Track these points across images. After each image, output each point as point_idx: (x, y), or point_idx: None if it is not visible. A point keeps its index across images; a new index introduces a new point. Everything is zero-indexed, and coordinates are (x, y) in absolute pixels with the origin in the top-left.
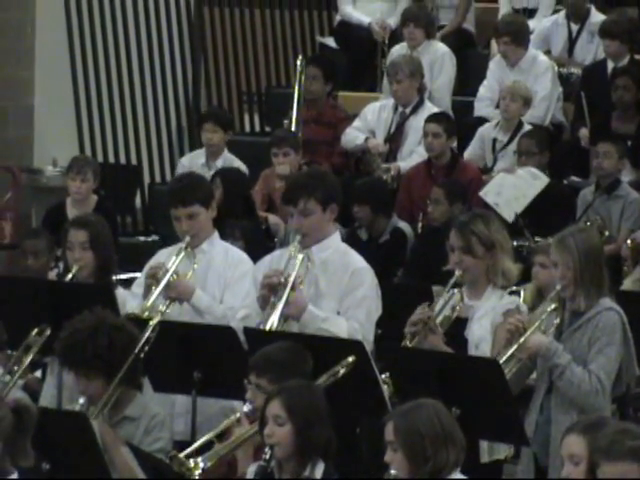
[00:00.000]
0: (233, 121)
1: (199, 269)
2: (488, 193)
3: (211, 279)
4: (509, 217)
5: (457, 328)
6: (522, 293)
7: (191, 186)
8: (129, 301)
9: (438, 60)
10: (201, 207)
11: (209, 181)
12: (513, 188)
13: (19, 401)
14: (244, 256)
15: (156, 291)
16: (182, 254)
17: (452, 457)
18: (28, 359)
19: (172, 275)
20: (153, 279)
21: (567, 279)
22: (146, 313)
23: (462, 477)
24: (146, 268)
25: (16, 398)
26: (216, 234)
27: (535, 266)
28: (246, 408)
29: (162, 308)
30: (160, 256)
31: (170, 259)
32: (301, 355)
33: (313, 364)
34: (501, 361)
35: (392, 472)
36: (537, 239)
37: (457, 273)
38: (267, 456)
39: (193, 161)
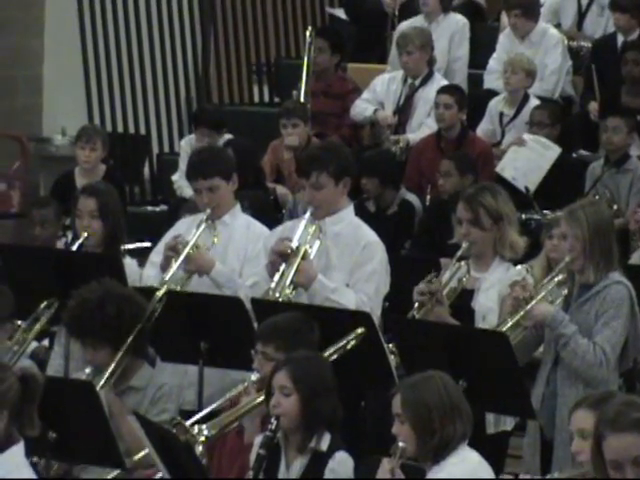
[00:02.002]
0: (229, 118)
1: (220, 242)
2: (505, 168)
3: (231, 252)
4: (527, 189)
5: (463, 300)
6: (530, 270)
7: (211, 159)
8: (146, 270)
9: (459, 31)
10: (222, 180)
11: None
12: (527, 161)
13: (26, 370)
14: (265, 230)
15: (176, 264)
16: (203, 226)
17: (459, 430)
18: (36, 330)
19: (192, 248)
20: (173, 251)
21: (576, 251)
22: (165, 286)
23: (469, 450)
24: (165, 238)
25: (23, 367)
26: (238, 207)
27: (553, 239)
28: (254, 377)
29: (181, 281)
30: (180, 226)
31: (190, 231)
32: (308, 324)
33: (321, 335)
34: (505, 328)
35: (400, 444)
36: (545, 212)
37: (464, 245)
38: (273, 427)
39: (192, 144)
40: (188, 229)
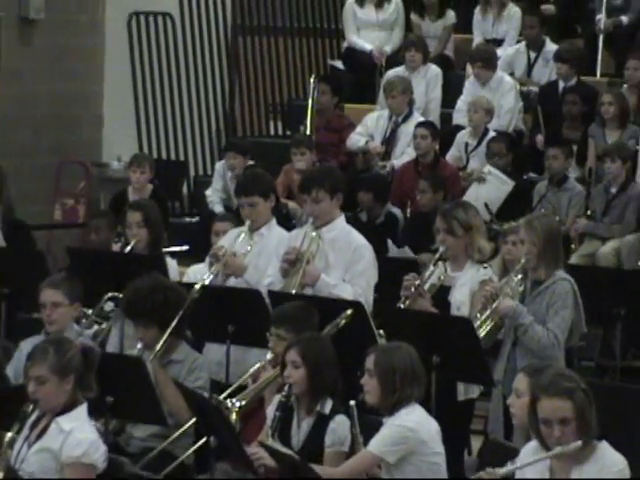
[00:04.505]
0: (249, 148)
1: (255, 249)
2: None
3: (264, 258)
4: (487, 217)
5: (442, 294)
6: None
7: (252, 180)
8: (199, 265)
9: (434, 78)
10: (260, 198)
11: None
12: (487, 193)
13: (85, 343)
14: None
15: (216, 268)
16: (242, 236)
17: (415, 392)
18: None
19: (230, 256)
20: (214, 258)
21: (532, 253)
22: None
23: (418, 407)
24: (218, 244)
25: (82, 342)
26: (274, 221)
27: (507, 244)
28: (269, 356)
29: (220, 282)
30: (231, 234)
31: (231, 240)
32: (310, 311)
33: (323, 319)
34: (479, 322)
35: (354, 402)
36: (502, 223)
37: (441, 249)
38: (286, 393)
39: (225, 166)
40: (236, 237)
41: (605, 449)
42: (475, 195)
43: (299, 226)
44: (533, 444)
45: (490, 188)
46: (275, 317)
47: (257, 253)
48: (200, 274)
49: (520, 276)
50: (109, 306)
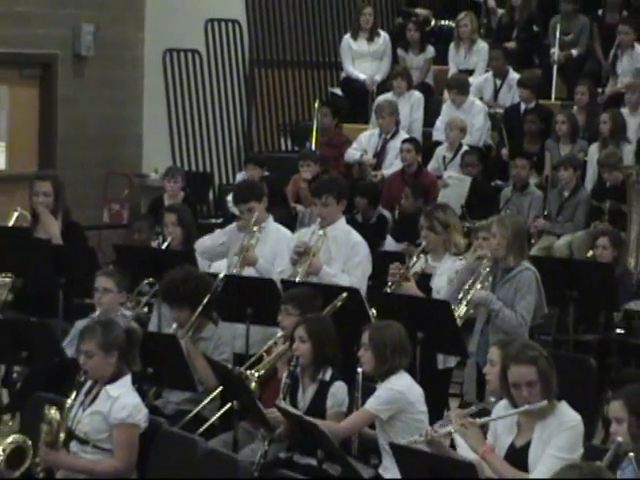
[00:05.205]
0: (265, 160)
1: (260, 242)
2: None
3: (267, 249)
4: (459, 210)
5: (425, 281)
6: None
7: (247, 188)
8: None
9: (417, 102)
10: (255, 202)
11: (261, 183)
12: (452, 194)
13: (129, 325)
14: (288, 232)
15: (237, 262)
16: (250, 236)
17: (403, 362)
18: (143, 301)
19: (244, 252)
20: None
21: (502, 245)
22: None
23: (406, 374)
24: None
25: (128, 324)
26: (270, 218)
27: (479, 239)
28: (279, 334)
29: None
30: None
31: (244, 238)
32: (314, 294)
33: (325, 301)
34: (459, 312)
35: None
36: (474, 221)
37: (424, 243)
38: (294, 363)
39: (245, 176)
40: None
41: (563, 407)
42: (446, 198)
43: (301, 226)
44: (503, 403)
45: (454, 189)
46: (285, 296)
47: (262, 245)
48: (220, 269)
49: (489, 268)
50: (146, 288)
